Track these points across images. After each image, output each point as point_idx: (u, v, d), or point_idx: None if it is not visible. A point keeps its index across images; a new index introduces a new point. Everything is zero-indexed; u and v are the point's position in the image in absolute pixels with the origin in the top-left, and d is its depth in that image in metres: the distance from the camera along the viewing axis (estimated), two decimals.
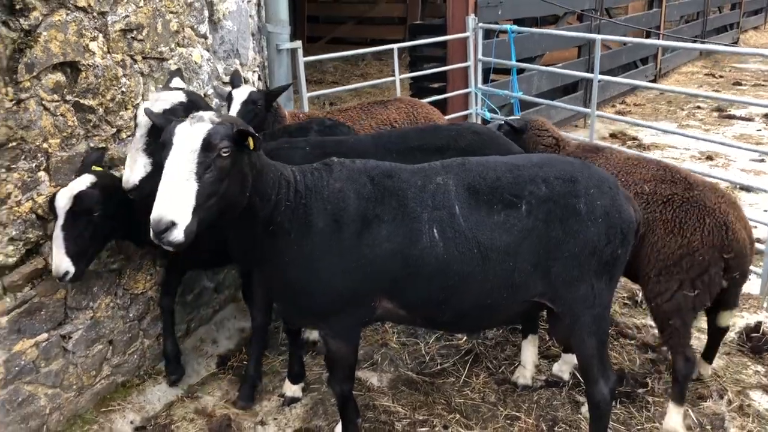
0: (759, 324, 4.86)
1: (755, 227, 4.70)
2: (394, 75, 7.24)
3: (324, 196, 3.14)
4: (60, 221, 3.47)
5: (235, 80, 4.80)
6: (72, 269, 3.47)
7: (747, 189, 7.69)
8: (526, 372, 4.43)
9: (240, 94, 4.63)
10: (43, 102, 3.60)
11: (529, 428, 4.02)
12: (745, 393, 4.28)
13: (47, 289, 3.76)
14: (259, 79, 5.89)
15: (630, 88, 12.72)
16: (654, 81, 13.49)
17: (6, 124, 3.42)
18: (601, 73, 10.22)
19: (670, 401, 3.86)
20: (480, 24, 7.61)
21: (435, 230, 3.14)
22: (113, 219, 3.66)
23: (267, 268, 3.27)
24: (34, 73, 3.52)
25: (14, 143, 3.48)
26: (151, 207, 2.72)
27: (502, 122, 4.88)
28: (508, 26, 7.40)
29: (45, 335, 3.80)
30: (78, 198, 3.49)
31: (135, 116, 3.60)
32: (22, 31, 3.42)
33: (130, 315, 4.33)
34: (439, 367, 4.66)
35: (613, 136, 10.22)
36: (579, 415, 4.12)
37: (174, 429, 4.11)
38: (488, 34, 7.99)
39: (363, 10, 17.09)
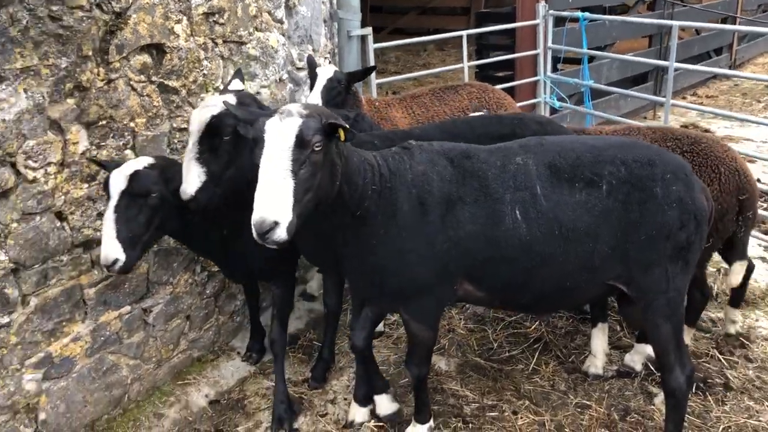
0: None
1: None
2: (456, 64, 7.20)
3: (408, 179, 3.14)
4: (113, 202, 3.30)
5: (313, 62, 4.82)
6: (122, 257, 3.24)
7: None
8: (596, 361, 4.37)
9: (325, 72, 4.65)
10: (131, 82, 3.73)
11: (600, 417, 3.96)
12: None
13: None
14: (330, 65, 5.94)
15: (702, 80, 12.31)
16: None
17: (97, 103, 3.56)
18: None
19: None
20: (550, 11, 7.48)
21: (517, 211, 3.14)
22: (170, 209, 3.46)
23: (351, 253, 3.24)
24: (124, 54, 3.65)
25: (104, 122, 3.63)
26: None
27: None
28: (579, 14, 7.25)
29: (128, 308, 3.95)
30: (134, 177, 3.33)
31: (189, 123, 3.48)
32: (114, 14, 3.56)
33: (207, 292, 4.46)
34: (507, 354, 4.64)
35: (684, 127, 9.91)
36: (652, 406, 4.04)
37: (247, 404, 4.22)
38: (557, 22, 7.85)
39: (426, 0, 17.02)
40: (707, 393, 4.13)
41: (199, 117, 3.35)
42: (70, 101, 3.44)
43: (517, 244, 3.14)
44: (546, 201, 3.15)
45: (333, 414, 4.12)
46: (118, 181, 3.30)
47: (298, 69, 5.13)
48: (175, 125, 4.04)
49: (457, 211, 3.13)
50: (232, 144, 3.37)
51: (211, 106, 3.37)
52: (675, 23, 6.22)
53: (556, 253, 3.16)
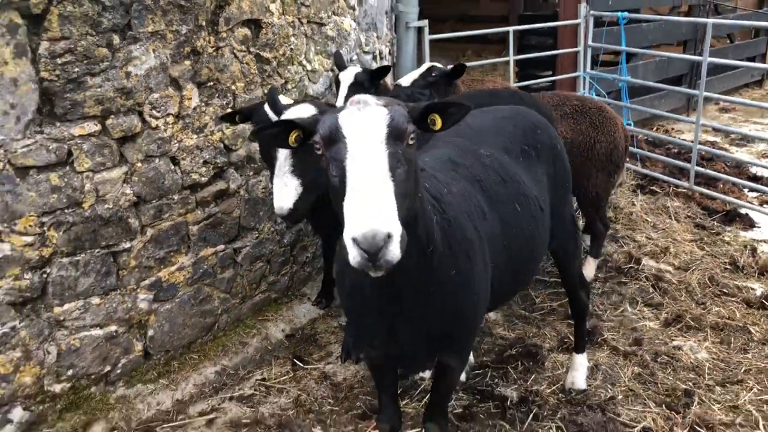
0: None
1: None
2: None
3: (458, 205, 2.74)
4: (286, 151, 3.40)
5: (339, 61, 4.91)
6: (293, 206, 3.41)
7: None
8: None
9: (347, 75, 4.69)
10: (234, 51, 4.35)
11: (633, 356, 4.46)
12: None
13: (227, 208, 4.51)
14: (390, 53, 6.55)
15: (734, 87, 12.68)
16: (761, 81, 13.38)
17: (207, 66, 4.18)
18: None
19: (589, 257, 5.35)
20: (591, 12, 8.01)
21: (517, 204, 3.12)
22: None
23: (411, 298, 2.52)
24: (230, 26, 4.27)
25: (211, 83, 4.25)
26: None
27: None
28: (619, 13, 7.76)
29: (222, 246, 4.55)
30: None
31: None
32: None
33: (284, 241, 5.05)
34: (549, 307, 5.14)
35: (716, 129, 10.32)
36: (680, 351, 4.51)
37: (318, 338, 4.80)
38: (597, 24, 8.36)
39: (465, 9, 17.60)
40: (731, 343, 4.60)
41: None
42: (187, 63, 4.07)
43: (521, 238, 3.10)
44: (522, 185, 3.19)
45: None
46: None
47: (365, 53, 5.73)
48: (265, 92, 4.64)
49: (486, 224, 2.89)
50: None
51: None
52: (710, 21, 6.71)
53: (534, 232, 3.20)
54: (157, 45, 3.87)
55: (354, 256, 1.94)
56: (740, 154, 9.04)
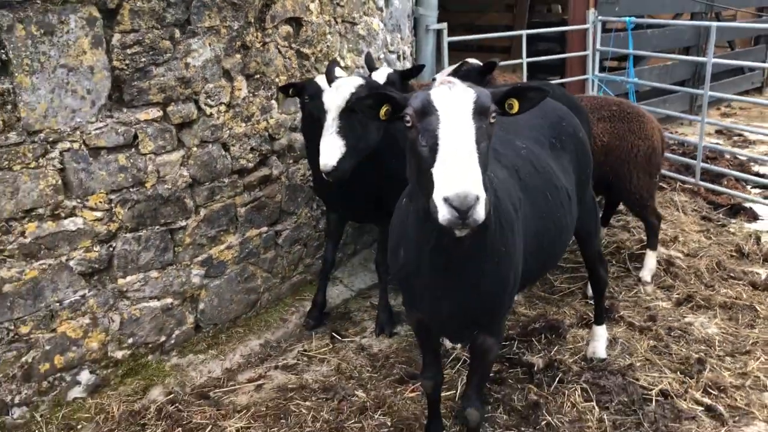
0: None
1: None
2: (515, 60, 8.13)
3: (499, 185, 2.90)
4: (332, 115, 3.78)
5: (370, 62, 5.07)
6: (337, 164, 3.73)
7: None
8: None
9: (380, 75, 4.79)
10: (278, 46, 4.71)
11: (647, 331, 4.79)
12: None
13: (270, 193, 4.86)
14: (411, 55, 6.92)
15: (734, 94, 13.05)
16: (761, 88, 13.76)
17: (255, 60, 4.54)
18: (703, 79, 10.76)
19: (648, 249, 5.60)
20: (599, 17, 8.40)
21: (548, 193, 3.34)
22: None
23: (455, 267, 2.75)
24: (275, 24, 4.64)
25: (258, 75, 4.61)
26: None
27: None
28: (627, 18, 8.15)
29: (265, 228, 4.89)
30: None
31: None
32: None
33: (319, 226, 5.39)
34: (567, 289, 5.48)
35: (719, 132, 10.69)
36: (691, 326, 4.83)
37: (352, 316, 5.13)
38: (604, 30, 8.75)
39: (472, 18, 18.01)
40: (738, 320, 4.93)
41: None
42: (237, 56, 4.42)
43: (550, 225, 3.31)
44: (552, 175, 3.47)
45: None
46: (336, 99, 3.78)
47: (391, 52, 6.10)
48: None
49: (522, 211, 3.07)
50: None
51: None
52: (714, 24, 7.10)
53: (562, 219, 3.42)
54: (212, 39, 4.23)
55: (444, 214, 2.15)
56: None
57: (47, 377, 3.88)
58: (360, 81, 3.87)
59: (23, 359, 3.75)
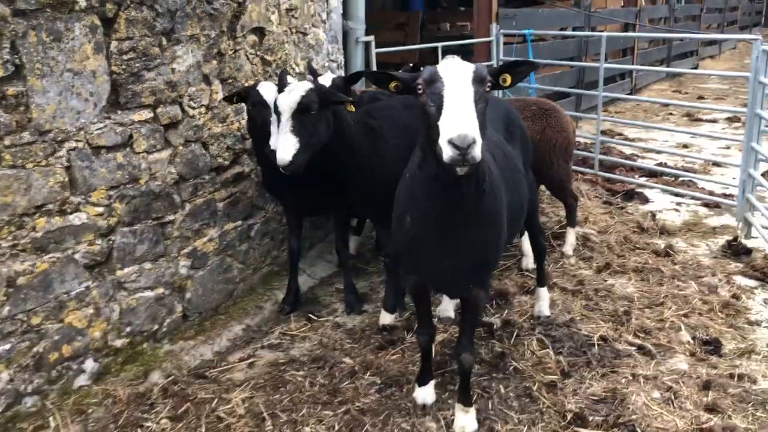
0: (736, 237, 6.55)
1: (726, 189, 7.29)
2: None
3: (489, 159, 3.40)
4: (286, 116, 4.13)
5: (312, 69, 5.41)
6: (292, 159, 4.09)
7: (718, 164, 9.49)
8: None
9: (325, 81, 4.90)
10: (247, 53, 5.14)
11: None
12: (729, 276, 5.92)
13: (243, 188, 5.26)
14: (339, 66, 7.47)
15: (609, 100, 14.60)
16: (630, 93, 15.42)
17: (228, 66, 4.95)
18: (585, 86, 12.06)
19: (568, 227, 6.39)
20: (501, 30, 9.34)
21: (513, 174, 3.96)
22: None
23: (458, 227, 3.30)
24: (243, 33, 5.07)
25: (230, 80, 5.02)
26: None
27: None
28: (526, 31, 9.13)
29: (240, 222, 5.27)
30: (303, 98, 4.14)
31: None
32: (237, 3, 4.98)
33: (284, 221, 5.81)
34: (504, 266, 6.20)
35: (603, 132, 11.97)
36: (689, 291, 5.68)
37: (320, 300, 5.59)
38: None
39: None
40: (649, 280, 5.83)
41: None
42: (214, 62, 4.82)
43: (516, 200, 3.94)
44: (513, 159, 4.18)
45: None
46: (289, 101, 4.14)
47: (332, 61, 6.64)
48: None
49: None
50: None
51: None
52: (604, 34, 8.19)
53: (523, 197, 4.10)
54: (193, 46, 4.61)
55: (448, 152, 2.68)
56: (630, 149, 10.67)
57: (56, 366, 4.08)
58: (309, 85, 4.27)
59: (35, 349, 3.95)
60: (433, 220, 3.33)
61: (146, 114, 4.36)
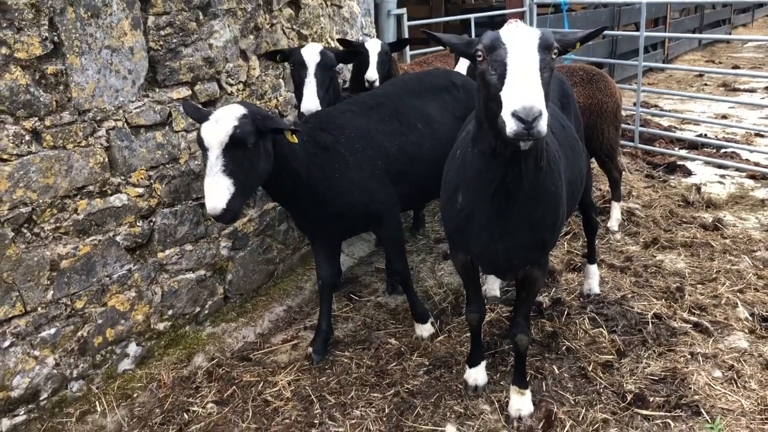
0: None
1: None
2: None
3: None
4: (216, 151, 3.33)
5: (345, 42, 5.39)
6: (226, 206, 3.31)
7: (761, 135, 9.19)
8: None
9: (374, 45, 5.20)
10: (283, 27, 4.99)
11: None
12: None
13: None
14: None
15: (643, 71, 14.24)
16: (662, 68, 15.01)
17: (266, 40, 4.80)
18: (618, 56, 11.77)
19: (613, 201, 6.20)
20: (535, 1, 9.07)
21: (571, 148, 3.87)
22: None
23: (515, 206, 3.12)
24: (279, 6, 4.91)
25: None
26: None
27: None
28: (562, 0, 8.86)
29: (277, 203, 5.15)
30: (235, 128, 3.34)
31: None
32: None
33: None
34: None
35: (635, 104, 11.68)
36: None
37: (360, 280, 5.47)
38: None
39: None
40: (700, 255, 5.63)
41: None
42: (251, 37, 4.67)
43: (577, 174, 3.85)
44: (571, 130, 4.02)
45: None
46: (218, 133, 3.32)
47: (365, 34, 6.46)
48: None
49: None
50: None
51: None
52: (644, 1, 7.90)
53: (582, 170, 4.03)
54: (230, 21, 4.46)
55: (511, 126, 2.45)
56: (666, 121, 10.38)
57: (100, 350, 4.02)
58: (242, 110, 3.42)
59: (79, 333, 3.89)
60: (489, 199, 3.14)
61: (184, 91, 4.25)
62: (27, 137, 3.47)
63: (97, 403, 3.93)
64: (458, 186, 3.35)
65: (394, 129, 4.30)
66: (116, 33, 3.78)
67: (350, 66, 5.62)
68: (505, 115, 2.52)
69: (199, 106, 4.09)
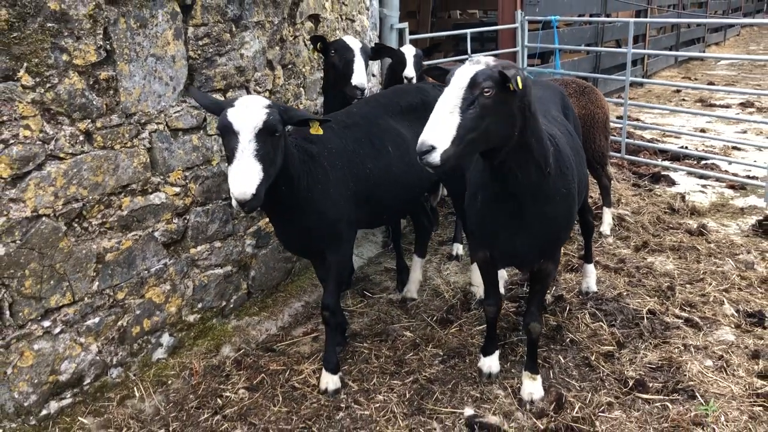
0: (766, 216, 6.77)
1: (749, 171, 7.51)
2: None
3: (559, 138, 3.74)
4: (248, 136, 3.34)
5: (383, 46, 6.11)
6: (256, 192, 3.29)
7: (737, 148, 9.70)
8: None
9: (410, 50, 5.71)
10: (304, 40, 5.30)
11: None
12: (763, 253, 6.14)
13: None
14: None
15: (621, 87, 14.78)
16: (641, 83, 15.58)
17: (289, 51, 5.12)
18: (601, 71, 12.26)
19: (604, 207, 6.60)
20: (526, 17, 9.49)
21: (575, 153, 4.13)
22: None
23: (532, 209, 3.51)
24: (302, 20, 5.23)
25: (290, 66, 5.18)
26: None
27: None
28: (552, 17, 9.29)
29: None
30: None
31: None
32: None
33: None
34: None
35: (619, 117, 12.16)
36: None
37: (371, 278, 5.79)
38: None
39: None
40: (687, 258, 6.04)
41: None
42: (277, 48, 4.98)
43: (582, 177, 4.27)
44: (574, 137, 4.40)
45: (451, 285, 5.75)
46: (253, 117, 3.37)
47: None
48: (320, 75, 5.60)
49: None
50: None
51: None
52: (631, 20, 8.35)
53: (585, 173, 4.53)
54: (259, 32, 4.77)
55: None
56: (649, 134, 10.87)
57: (137, 340, 4.27)
58: (265, 100, 3.52)
59: (120, 323, 4.14)
60: (502, 202, 3.55)
61: (219, 98, 4.53)
62: (81, 138, 3.74)
63: (134, 389, 4.17)
64: (477, 188, 3.71)
65: (367, 152, 4.31)
66: (161, 42, 4.07)
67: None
68: None
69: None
